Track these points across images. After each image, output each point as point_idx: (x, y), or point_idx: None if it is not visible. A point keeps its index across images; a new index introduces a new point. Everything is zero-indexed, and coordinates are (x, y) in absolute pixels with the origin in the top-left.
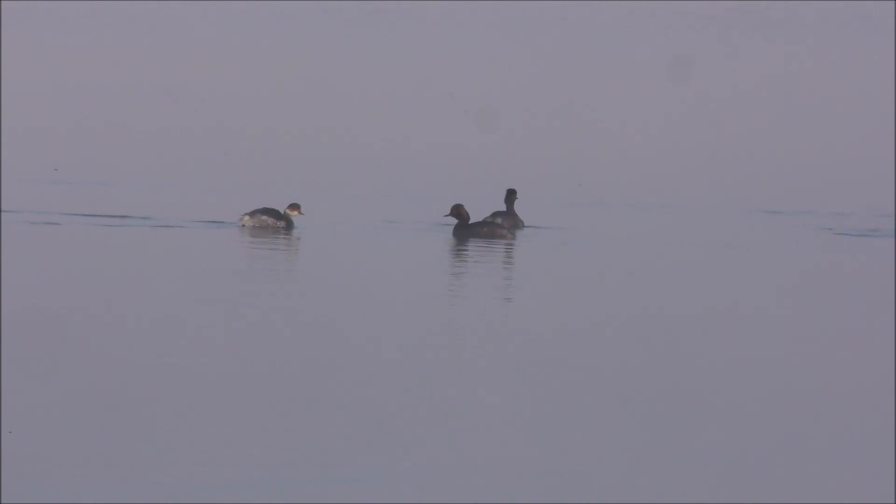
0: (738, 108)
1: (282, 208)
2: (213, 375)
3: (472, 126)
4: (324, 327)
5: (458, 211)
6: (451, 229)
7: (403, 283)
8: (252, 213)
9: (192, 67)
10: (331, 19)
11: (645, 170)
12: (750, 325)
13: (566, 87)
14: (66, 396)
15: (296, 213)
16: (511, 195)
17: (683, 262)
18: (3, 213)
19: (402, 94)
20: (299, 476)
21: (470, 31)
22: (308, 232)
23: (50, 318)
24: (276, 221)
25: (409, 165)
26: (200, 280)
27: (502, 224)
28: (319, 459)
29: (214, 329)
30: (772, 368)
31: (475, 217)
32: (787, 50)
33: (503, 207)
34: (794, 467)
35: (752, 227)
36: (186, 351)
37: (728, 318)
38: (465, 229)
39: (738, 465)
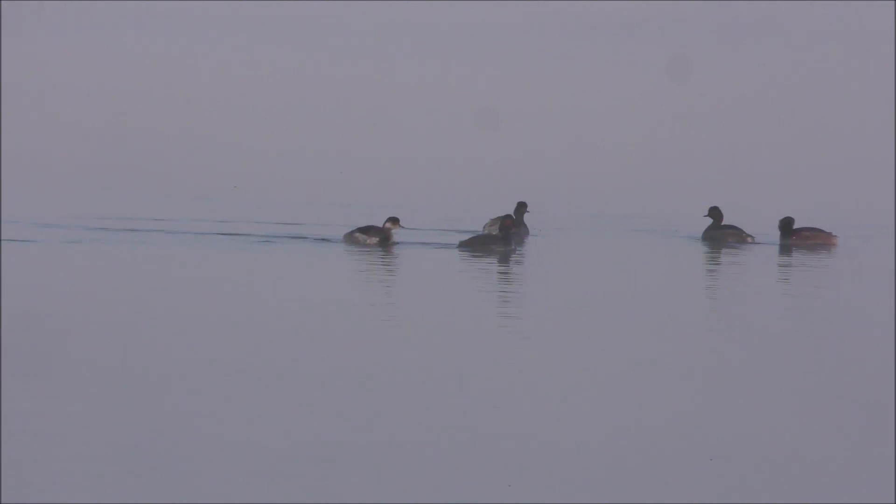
0: (737, 109)
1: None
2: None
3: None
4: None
5: (717, 213)
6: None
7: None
8: (354, 232)
9: (191, 74)
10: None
11: (642, 178)
12: None
13: (565, 88)
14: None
15: (395, 227)
16: (520, 208)
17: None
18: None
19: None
20: None
21: (470, 31)
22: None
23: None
24: (369, 238)
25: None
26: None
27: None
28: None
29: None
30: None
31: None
32: (788, 51)
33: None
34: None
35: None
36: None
37: None
38: (716, 231)
39: None
